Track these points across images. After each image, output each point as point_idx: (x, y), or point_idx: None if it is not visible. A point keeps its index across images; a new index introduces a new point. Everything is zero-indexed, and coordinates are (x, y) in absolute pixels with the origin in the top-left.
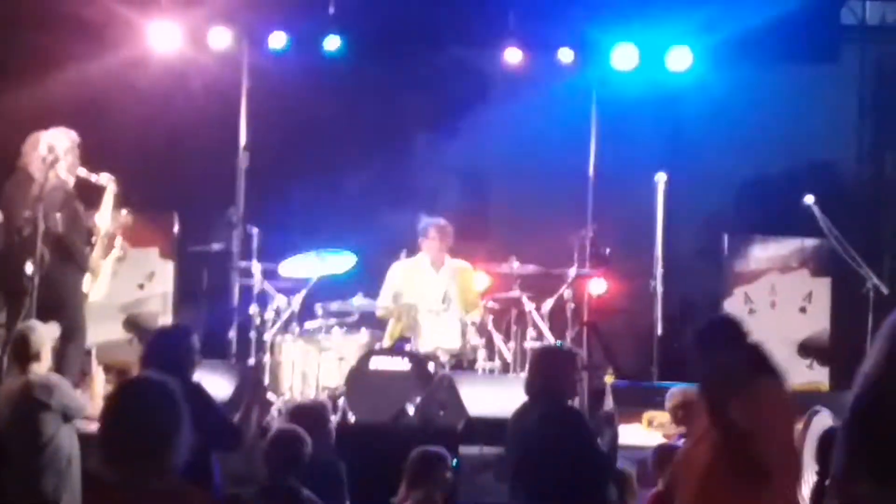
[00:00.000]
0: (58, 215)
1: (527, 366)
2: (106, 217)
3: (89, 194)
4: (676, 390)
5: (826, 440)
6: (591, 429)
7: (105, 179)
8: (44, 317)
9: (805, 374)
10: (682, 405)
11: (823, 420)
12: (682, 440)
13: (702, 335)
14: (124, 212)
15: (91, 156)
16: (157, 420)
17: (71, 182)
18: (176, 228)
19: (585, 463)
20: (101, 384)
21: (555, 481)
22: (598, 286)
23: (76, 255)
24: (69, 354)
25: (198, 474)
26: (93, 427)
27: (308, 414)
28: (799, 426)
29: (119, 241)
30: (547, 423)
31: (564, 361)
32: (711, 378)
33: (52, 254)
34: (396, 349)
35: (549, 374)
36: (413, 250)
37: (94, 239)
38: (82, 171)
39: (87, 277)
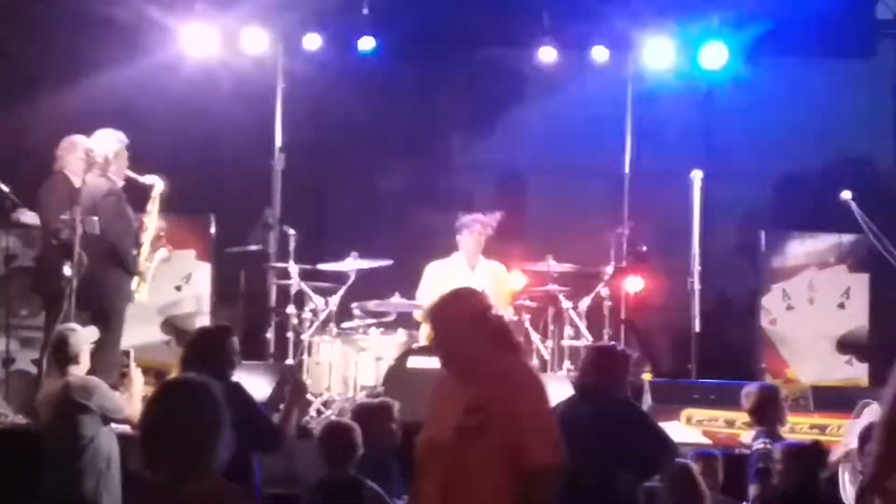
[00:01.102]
0: (94, 218)
1: (581, 362)
2: (153, 218)
3: (136, 196)
4: (750, 389)
5: (866, 435)
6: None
7: (152, 180)
8: (85, 319)
9: (844, 371)
10: (758, 404)
11: (872, 413)
12: (761, 440)
13: None
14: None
15: (127, 159)
16: (199, 421)
17: (120, 184)
18: (213, 230)
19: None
20: (139, 386)
21: (597, 474)
22: (635, 284)
23: (124, 258)
24: (106, 359)
25: (239, 475)
26: (131, 429)
27: (370, 412)
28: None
29: (164, 242)
30: (606, 417)
31: (621, 359)
32: None
33: (95, 256)
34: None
35: (607, 371)
36: (449, 250)
37: (142, 241)
38: (130, 173)
39: (134, 279)
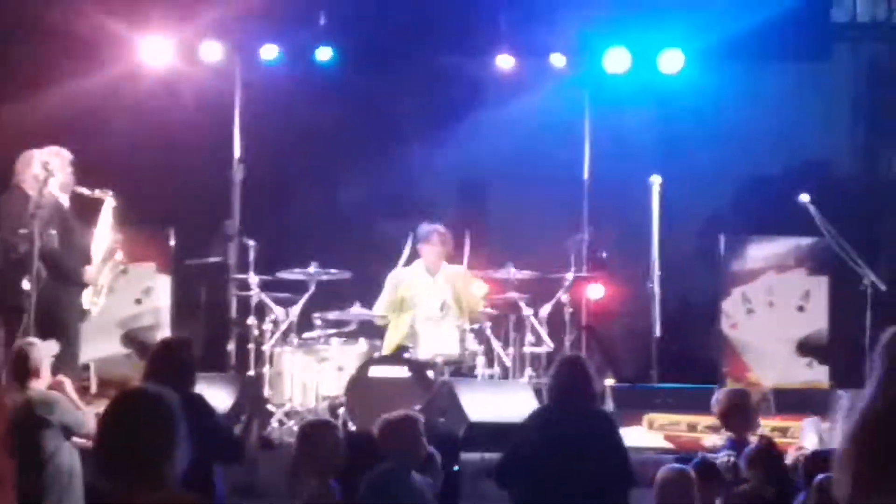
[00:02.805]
0: (52, 232)
1: (558, 373)
2: (105, 232)
3: (88, 210)
4: (722, 394)
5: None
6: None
7: (103, 194)
8: (41, 334)
9: (804, 373)
10: (728, 409)
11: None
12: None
13: None
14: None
15: (84, 171)
16: (153, 432)
17: (65, 199)
18: (172, 243)
19: (619, 464)
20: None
21: (589, 481)
22: (595, 290)
23: (69, 272)
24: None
25: (200, 486)
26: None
27: (395, 428)
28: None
29: (119, 255)
30: (587, 424)
31: (590, 369)
32: None
33: (47, 271)
34: (396, 357)
35: (585, 380)
36: (410, 258)
37: (92, 255)
38: (79, 188)
39: (87, 293)
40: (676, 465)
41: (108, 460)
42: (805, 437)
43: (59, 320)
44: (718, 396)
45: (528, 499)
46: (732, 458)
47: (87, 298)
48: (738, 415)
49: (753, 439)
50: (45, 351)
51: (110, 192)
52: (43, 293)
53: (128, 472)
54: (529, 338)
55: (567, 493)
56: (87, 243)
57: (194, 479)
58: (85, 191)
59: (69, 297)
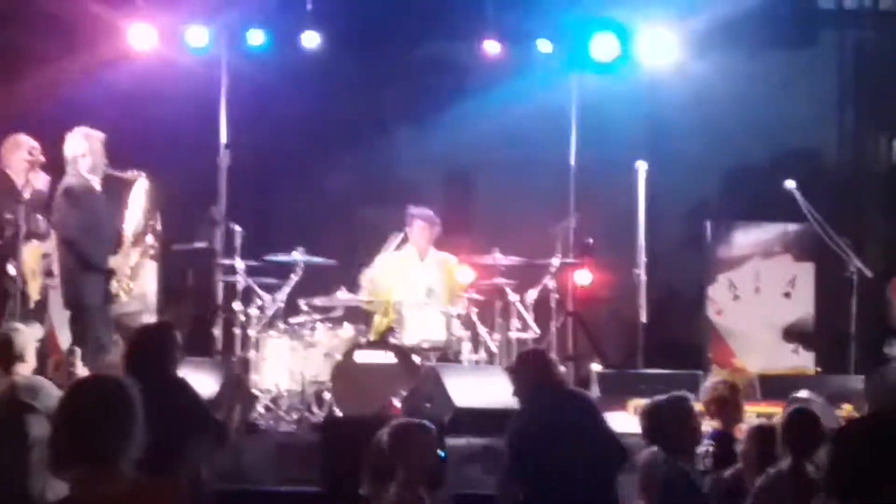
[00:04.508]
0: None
1: (522, 365)
2: (136, 215)
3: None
4: (709, 384)
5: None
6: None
7: (135, 176)
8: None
9: (790, 359)
10: (714, 399)
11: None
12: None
13: None
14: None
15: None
16: (104, 421)
17: (96, 182)
18: (158, 228)
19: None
20: None
21: (594, 459)
22: (582, 276)
23: (90, 257)
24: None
25: (182, 471)
26: None
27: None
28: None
29: (150, 239)
30: (575, 405)
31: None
32: None
33: (64, 256)
34: (381, 343)
35: (555, 368)
36: (400, 243)
37: (123, 238)
38: (111, 170)
39: (117, 278)
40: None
41: (58, 451)
42: None
43: (82, 304)
44: (707, 385)
45: (542, 489)
46: (711, 449)
47: (115, 283)
48: (725, 407)
49: (741, 430)
50: (30, 336)
51: (143, 174)
52: (66, 276)
53: (78, 463)
54: (516, 323)
55: (578, 476)
56: (115, 227)
57: (179, 463)
58: (116, 172)
59: (91, 281)
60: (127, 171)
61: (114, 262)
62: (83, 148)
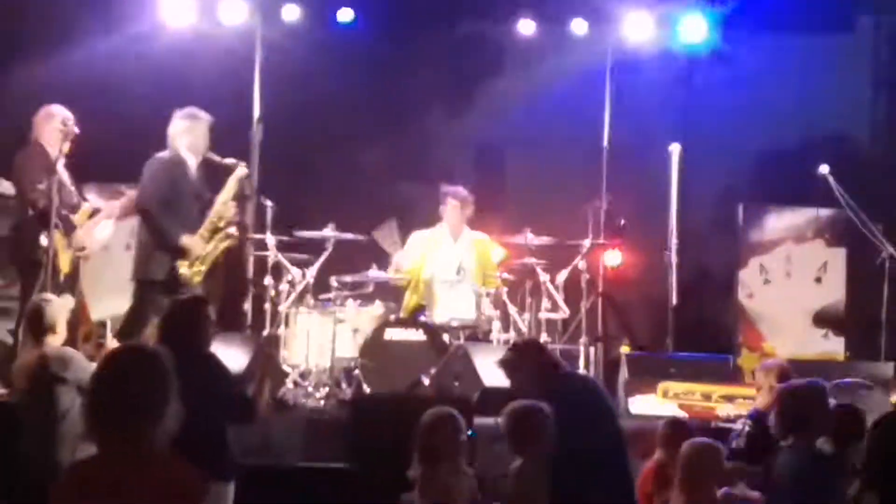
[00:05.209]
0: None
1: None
2: (224, 201)
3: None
4: (773, 364)
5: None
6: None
7: (234, 164)
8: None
9: (820, 345)
10: (780, 375)
11: None
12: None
13: None
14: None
15: (103, 130)
16: (139, 390)
17: (192, 162)
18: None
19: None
20: None
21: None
22: (613, 257)
23: (163, 233)
24: (125, 331)
25: (211, 445)
26: None
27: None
28: None
29: (233, 230)
30: (589, 386)
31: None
32: None
33: (140, 225)
34: (411, 320)
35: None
36: (430, 222)
37: (207, 220)
38: (210, 154)
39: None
40: (702, 439)
41: (94, 417)
42: None
43: (143, 277)
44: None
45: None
46: (748, 428)
47: (185, 265)
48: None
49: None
50: (61, 307)
51: (242, 163)
52: (137, 245)
53: (112, 429)
54: (546, 304)
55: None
56: (201, 209)
57: (208, 438)
58: (216, 158)
59: (158, 255)
60: (225, 158)
61: (190, 242)
62: (183, 126)
